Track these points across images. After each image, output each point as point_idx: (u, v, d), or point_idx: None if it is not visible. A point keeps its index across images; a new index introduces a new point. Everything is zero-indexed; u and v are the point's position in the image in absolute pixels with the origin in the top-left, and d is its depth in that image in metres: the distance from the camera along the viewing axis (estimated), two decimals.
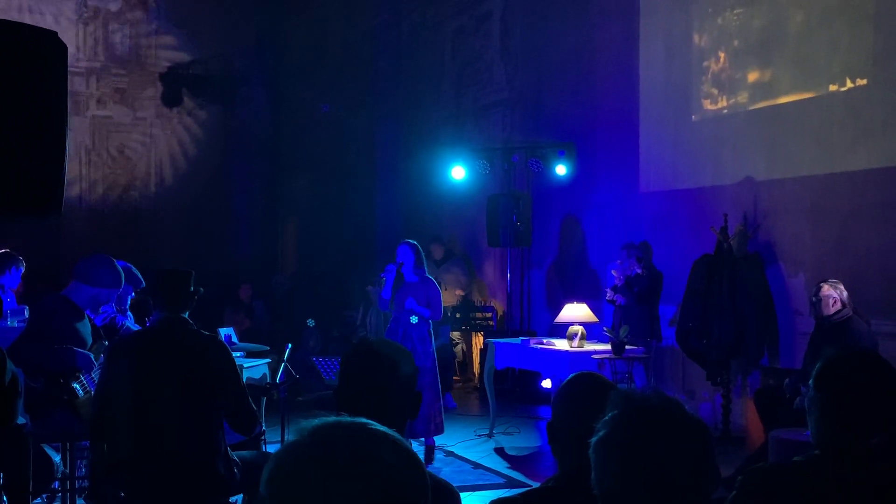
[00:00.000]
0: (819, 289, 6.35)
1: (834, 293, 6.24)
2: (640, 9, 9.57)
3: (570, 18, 10.57)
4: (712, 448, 1.69)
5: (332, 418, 1.32)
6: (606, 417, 1.69)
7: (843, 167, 7.41)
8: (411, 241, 7.31)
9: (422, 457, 6.86)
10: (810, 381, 2.41)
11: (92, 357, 4.92)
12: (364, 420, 1.32)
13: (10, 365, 3.64)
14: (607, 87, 10.08)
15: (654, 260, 8.75)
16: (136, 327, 5.62)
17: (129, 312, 5.86)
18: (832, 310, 6.22)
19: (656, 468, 1.63)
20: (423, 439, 7.25)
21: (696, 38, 8.98)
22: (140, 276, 5.75)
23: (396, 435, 1.32)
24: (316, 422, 1.30)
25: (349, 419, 1.32)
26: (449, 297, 10.99)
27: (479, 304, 11.48)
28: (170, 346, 4.01)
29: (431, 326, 7.28)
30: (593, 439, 1.69)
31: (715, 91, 8.77)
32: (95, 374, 4.88)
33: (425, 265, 7.29)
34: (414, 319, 7.10)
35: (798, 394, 5.95)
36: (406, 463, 1.29)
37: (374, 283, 10.74)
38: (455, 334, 11.20)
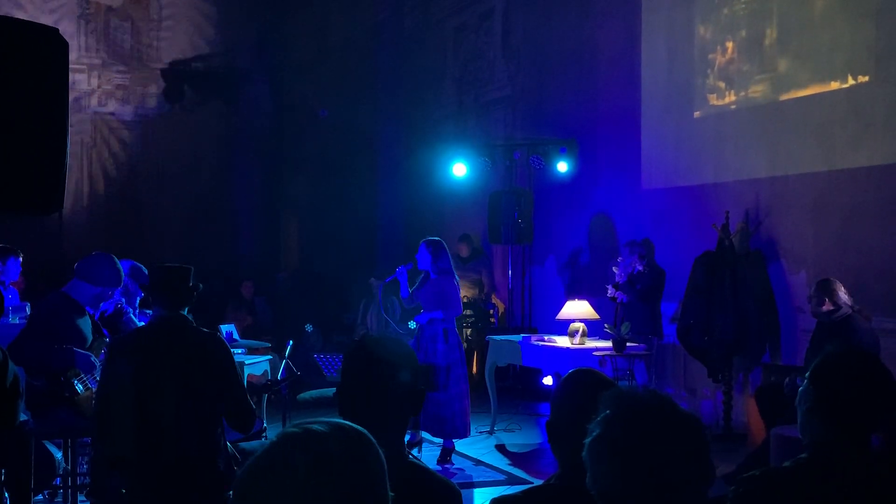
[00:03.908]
0: (814, 287, 6.38)
1: (823, 294, 6.23)
2: (643, 5, 9.57)
3: (571, 15, 10.56)
4: (707, 444, 1.70)
5: (291, 426, 1.39)
6: (599, 417, 1.70)
7: (845, 164, 7.40)
8: (431, 238, 7.19)
9: (434, 459, 6.88)
10: (806, 375, 2.42)
11: (93, 358, 4.92)
12: (321, 425, 1.38)
13: (11, 366, 3.64)
14: (609, 84, 10.07)
15: (655, 257, 8.75)
16: (139, 321, 5.64)
17: (131, 310, 5.87)
18: (823, 309, 6.22)
19: (651, 466, 1.64)
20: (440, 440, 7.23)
21: (700, 30, 8.96)
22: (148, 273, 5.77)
23: (352, 430, 1.39)
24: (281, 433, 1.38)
25: (305, 425, 1.38)
26: (463, 294, 11.00)
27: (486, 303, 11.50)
28: (169, 344, 4.01)
29: (449, 325, 7.10)
30: (587, 440, 1.70)
31: (721, 85, 8.75)
32: (98, 373, 4.89)
33: (449, 260, 7.13)
34: (412, 324, 7.08)
35: (797, 393, 5.94)
36: (359, 464, 1.35)
37: (378, 277, 10.75)
38: (466, 331, 11.20)
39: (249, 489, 1.33)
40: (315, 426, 1.37)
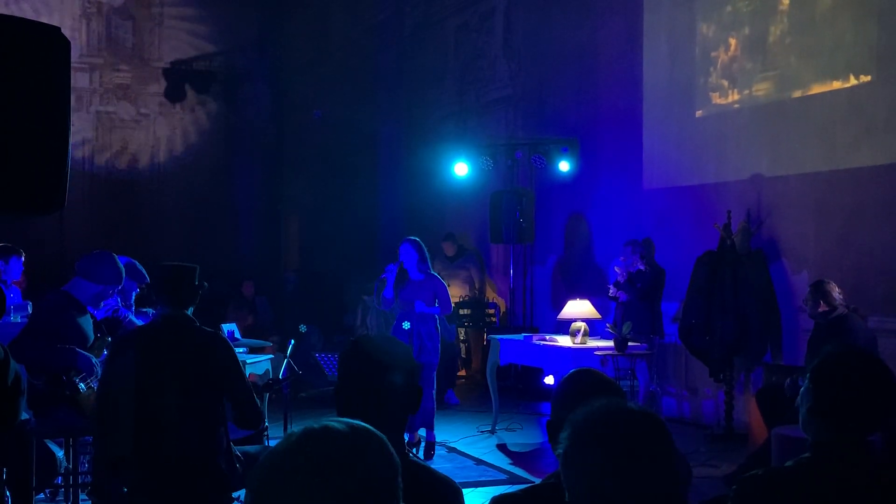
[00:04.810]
0: (808, 290, 6.39)
1: (817, 296, 6.24)
2: (644, 5, 9.56)
3: (573, 15, 10.56)
4: (668, 436, 1.73)
5: (311, 423, 1.40)
6: (564, 434, 1.75)
7: (847, 164, 7.40)
8: (413, 238, 7.28)
9: (421, 453, 6.93)
10: (806, 375, 2.41)
11: (93, 359, 4.92)
12: (340, 424, 1.39)
13: (13, 364, 3.64)
14: (610, 83, 10.07)
15: (657, 256, 8.75)
16: (138, 321, 5.64)
17: (132, 307, 5.88)
18: (818, 311, 6.24)
19: (622, 468, 1.68)
20: (423, 434, 7.27)
21: (702, 29, 8.95)
22: (144, 271, 5.78)
23: (370, 434, 1.41)
24: (296, 429, 1.40)
25: (328, 423, 1.40)
26: (455, 293, 11.01)
27: (483, 301, 11.50)
28: (173, 342, 4.01)
29: (438, 322, 7.27)
30: (559, 451, 1.74)
31: (723, 83, 8.75)
32: (99, 373, 4.89)
33: (429, 262, 7.27)
34: (406, 325, 7.11)
35: (798, 393, 5.94)
36: (369, 463, 1.37)
37: (371, 293, 10.75)
38: (461, 330, 11.21)
39: (267, 483, 1.35)
40: (335, 425, 1.38)
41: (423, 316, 7.12)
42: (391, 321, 10.32)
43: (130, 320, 5.64)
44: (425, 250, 7.22)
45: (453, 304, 10.72)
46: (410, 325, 7.15)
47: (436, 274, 7.34)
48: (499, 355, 8.28)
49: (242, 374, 4.13)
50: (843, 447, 2.29)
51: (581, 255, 10.55)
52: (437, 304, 7.15)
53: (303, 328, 10.85)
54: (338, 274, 12.80)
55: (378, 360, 2.36)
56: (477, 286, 11.51)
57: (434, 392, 7.25)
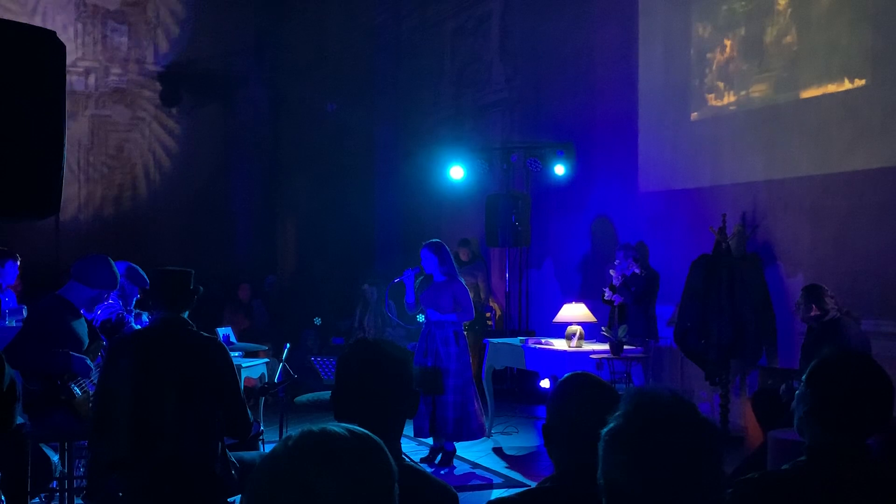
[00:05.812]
0: (801, 293, 6.41)
1: (810, 300, 6.26)
2: (639, 8, 9.58)
3: (569, 18, 10.57)
4: (720, 452, 1.70)
5: (310, 427, 1.41)
6: (619, 411, 1.71)
7: (842, 167, 7.41)
8: (433, 241, 7.18)
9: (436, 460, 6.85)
10: (803, 377, 2.41)
11: (89, 361, 4.92)
12: (339, 428, 1.40)
13: (8, 369, 3.64)
14: (606, 87, 10.08)
15: (652, 260, 8.76)
16: (137, 327, 5.63)
17: (132, 312, 5.88)
18: (811, 314, 6.25)
19: (662, 462, 1.64)
20: (441, 441, 7.21)
21: (698, 30, 8.96)
22: (145, 276, 5.77)
23: (370, 440, 1.41)
24: (294, 433, 1.40)
25: (323, 427, 1.40)
26: None
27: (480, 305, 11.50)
28: (169, 346, 4.01)
29: (459, 328, 7.13)
30: (604, 430, 1.71)
31: (719, 84, 8.76)
32: (94, 376, 4.89)
33: (453, 263, 7.17)
34: (420, 317, 7.06)
35: (794, 396, 5.94)
36: (369, 469, 1.38)
37: (371, 283, 10.74)
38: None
39: (265, 485, 1.35)
40: (334, 428, 1.38)
41: (440, 321, 7.06)
42: (389, 323, 10.33)
43: (131, 326, 5.63)
44: (446, 252, 7.11)
45: None
46: (429, 329, 7.08)
47: (460, 278, 7.23)
48: (495, 359, 8.28)
49: (236, 381, 4.13)
50: (839, 450, 2.29)
51: (576, 258, 10.55)
52: (458, 310, 7.04)
53: (317, 321, 10.88)
54: (334, 277, 12.78)
55: (376, 363, 2.35)
56: (482, 294, 11.50)
57: (464, 400, 7.02)
